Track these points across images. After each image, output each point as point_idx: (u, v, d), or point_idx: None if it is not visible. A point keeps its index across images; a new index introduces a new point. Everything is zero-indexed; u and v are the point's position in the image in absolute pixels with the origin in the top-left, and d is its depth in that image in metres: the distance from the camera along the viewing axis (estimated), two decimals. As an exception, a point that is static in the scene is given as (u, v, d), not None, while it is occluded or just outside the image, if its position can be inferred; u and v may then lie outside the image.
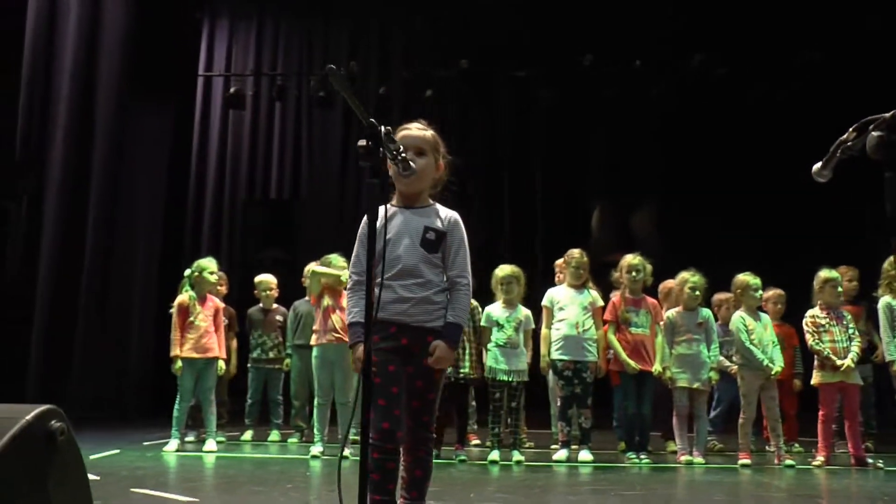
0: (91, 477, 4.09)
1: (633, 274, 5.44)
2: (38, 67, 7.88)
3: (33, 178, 7.80)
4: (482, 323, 5.43)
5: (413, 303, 2.67)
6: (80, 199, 7.96)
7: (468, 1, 10.02)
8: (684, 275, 5.43)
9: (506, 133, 10.66)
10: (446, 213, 2.82)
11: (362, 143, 2.23)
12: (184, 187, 10.30)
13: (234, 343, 6.46)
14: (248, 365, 6.47)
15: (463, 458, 5.28)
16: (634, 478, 4.80)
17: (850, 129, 2.21)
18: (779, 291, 5.88)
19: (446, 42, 10.36)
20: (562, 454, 5.34)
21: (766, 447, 5.57)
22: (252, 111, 10.98)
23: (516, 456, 5.27)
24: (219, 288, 6.15)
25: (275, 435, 6.42)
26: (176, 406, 5.64)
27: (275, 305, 6.61)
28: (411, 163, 2.63)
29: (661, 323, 5.44)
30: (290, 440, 6.31)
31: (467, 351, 5.35)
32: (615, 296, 5.56)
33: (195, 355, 5.58)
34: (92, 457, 5.04)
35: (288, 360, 6.39)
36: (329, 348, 5.49)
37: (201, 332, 5.62)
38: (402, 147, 2.50)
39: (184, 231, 10.27)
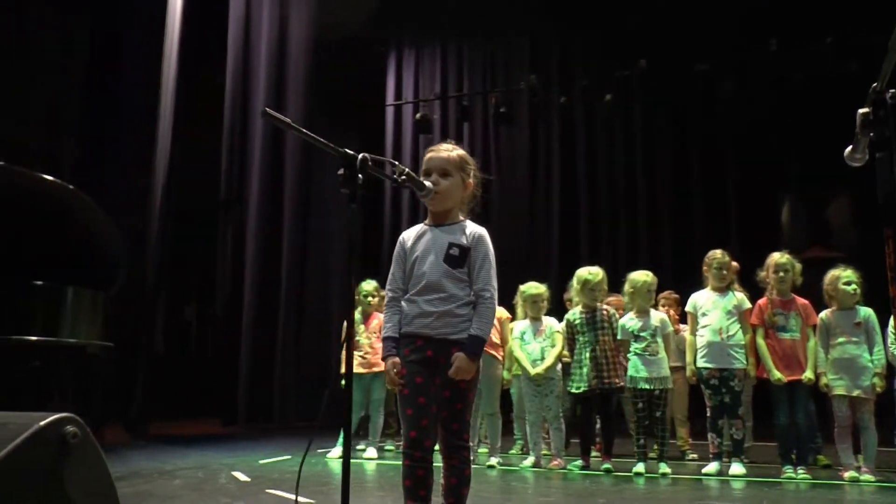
0: (242, 478, 4.67)
1: (781, 274, 4.98)
2: (235, 116, 8.92)
3: (237, 212, 8.81)
4: (619, 336, 5.29)
5: (436, 316, 2.73)
6: (275, 228, 8.86)
7: (641, 1, 9.76)
8: (834, 272, 4.88)
9: (692, 129, 10.18)
10: (472, 230, 2.86)
11: (340, 171, 2.37)
12: (378, 212, 10.97)
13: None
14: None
15: (608, 467, 5.16)
16: (790, 496, 4.40)
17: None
18: None
19: (624, 45, 10.14)
20: (712, 467, 5.02)
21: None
22: (441, 133, 11.43)
23: (663, 468, 5.05)
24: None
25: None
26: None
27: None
28: (427, 183, 2.76)
29: (815, 325, 4.94)
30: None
31: (608, 360, 5.24)
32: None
33: (362, 370, 5.97)
34: (261, 461, 5.61)
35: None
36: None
37: (366, 349, 6.01)
38: (405, 171, 2.63)
39: (381, 252, 10.93)
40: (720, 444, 5.10)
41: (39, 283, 4.45)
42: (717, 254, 5.22)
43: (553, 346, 5.48)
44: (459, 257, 2.79)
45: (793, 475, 4.81)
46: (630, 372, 5.20)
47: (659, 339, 5.18)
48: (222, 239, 8.74)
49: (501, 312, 5.78)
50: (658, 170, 10.29)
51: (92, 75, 7.42)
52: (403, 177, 2.62)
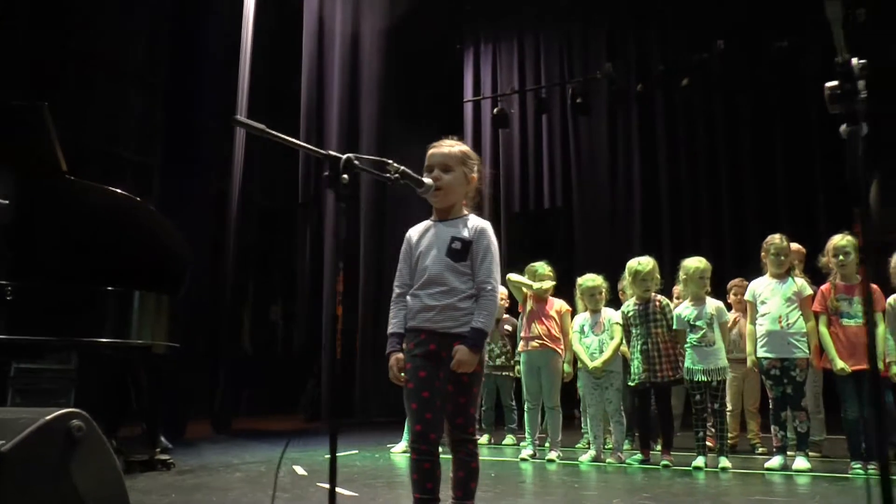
0: (300, 472, 4.84)
1: (841, 258, 4.73)
2: (311, 120, 9.21)
3: (314, 215, 9.10)
4: (675, 326, 5.16)
5: (438, 310, 2.76)
6: (353, 231, 9.11)
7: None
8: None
9: (775, 108, 9.74)
10: (475, 223, 2.87)
11: (326, 173, 2.45)
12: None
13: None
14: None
15: (666, 463, 5.04)
16: (851, 492, 4.18)
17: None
18: None
19: (699, 26, 9.84)
20: (775, 461, 4.82)
21: None
22: (520, 127, 11.41)
23: (723, 462, 4.90)
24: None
25: (509, 439, 6.68)
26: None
27: (505, 315, 6.87)
28: (426, 179, 2.81)
29: (884, 311, 4.66)
30: (521, 444, 6.52)
31: (660, 353, 5.13)
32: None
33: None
34: (326, 456, 5.78)
35: (519, 367, 6.62)
36: (534, 354, 5.65)
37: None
38: (400, 169, 2.68)
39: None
40: (783, 438, 4.90)
41: (109, 288, 4.78)
42: (774, 238, 5.01)
43: (612, 338, 5.41)
44: (462, 251, 2.81)
45: (860, 471, 4.56)
46: (687, 363, 5.07)
47: (715, 329, 5.02)
48: (301, 240, 9.05)
49: (562, 305, 5.76)
50: (741, 154, 9.91)
51: (172, 87, 7.84)
52: (397, 175, 2.67)
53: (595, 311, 5.55)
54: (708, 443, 5.07)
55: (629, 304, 5.37)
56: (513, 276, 5.81)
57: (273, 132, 2.37)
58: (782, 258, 4.92)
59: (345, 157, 2.44)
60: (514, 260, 10.78)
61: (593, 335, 5.48)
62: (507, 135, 11.48)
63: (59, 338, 4.51)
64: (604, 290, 5.61)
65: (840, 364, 4.62)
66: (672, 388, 5.31)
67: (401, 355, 2.82)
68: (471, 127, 11.57)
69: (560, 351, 5.60)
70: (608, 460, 5.31)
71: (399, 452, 5.98)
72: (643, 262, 5.25)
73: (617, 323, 5.41)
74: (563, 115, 11.07)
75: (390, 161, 2.71)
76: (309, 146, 2.46)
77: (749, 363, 5.04)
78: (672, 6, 10.20)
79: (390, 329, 2.89)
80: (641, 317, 5.23)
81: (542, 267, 5.84)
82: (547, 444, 5.79)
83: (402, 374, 2.80)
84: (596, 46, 10.91)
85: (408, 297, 2.87)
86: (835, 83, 1.84)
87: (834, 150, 9.05)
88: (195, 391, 7.37)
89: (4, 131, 4.42)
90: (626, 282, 5.46)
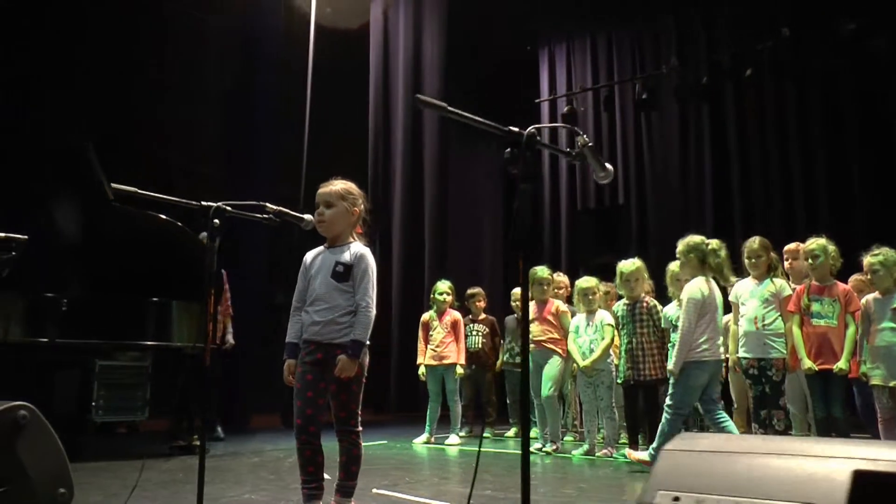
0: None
1: (810, 260, 4.76)
2: (378, 127, 9.88)
3: (384, 219, 9.76)
4: (662, 324, 5.34)
5: (322, 324, 3.25)
6: (418, 230, 9.70)
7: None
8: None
9: (845, 94, 9.37)
10: (356, 250, 3.34)
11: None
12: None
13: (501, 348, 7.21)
14: (504, 369, 7.16)
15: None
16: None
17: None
18: None
19: (762, 14, 9.63)
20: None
21: None
22: (594, 126, 11.53)
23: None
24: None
25: (533, 432, 7.01)
26: (429, 406, 6.70)
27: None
28: (306, 217, 3.36)
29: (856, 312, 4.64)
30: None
31: (644, 352, 5.33)
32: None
33: (433, 362, 6.57)
34: (364, 444, 6.36)
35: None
36: (535, 353, 5.94)
37: (438, 342, 6.59)
38: (276, 210, 3.22)
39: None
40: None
41: (154, 299, 5.60)
42: (749, 241, 5.08)
43: (602, 338, 5.65)
44: (344, 273, 3.29)
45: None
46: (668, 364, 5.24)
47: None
48: (371, 245, 9.72)
49: (558, 306, 6.05)
50: (812, 143, 9.58)
51: (236, 104, 8.76)
52: (270, 216, 3.21)
53: (590, 312, 5.79)
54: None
55: (619, 305, 5.59)
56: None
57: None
58: (753, 260, 4.98)
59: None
60: (568, 255, 11.02)
61: (586, 335, 5.73)
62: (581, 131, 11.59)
63: (106, 341, 5.37)
64: (598, 290, 5.84)
65: (808, 363, 4.67)
66: (660, 386, 5.48)
67: (292, 361, 3.31)
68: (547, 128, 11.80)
69: (559, 350, 5.89)
70: (598, 454, 5.56)
71: (421, 443, 6.48)
72: (626, 264, 5.46)
73: (609, 324, 5.64)
74: (635, 112, 11.08)
75: (266, 203, 3.23)
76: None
77: (731, 362, 5.15)
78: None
79: (287, 339, 3.39)
80: (628, 317, 5.44)
81: (542, 270, 6.16)
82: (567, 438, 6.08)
83: (292, 377, 3.30)
84: (666, 40, 10.86)
85: (302, 313, 3.36)
86: (510, 149, 2.10)
87: None
88: (269, 387, 8.17)
89: (62, 167, 5.32)
90: (616, 283, 5.67)
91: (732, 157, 10.03)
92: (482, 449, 6.19)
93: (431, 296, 6.80)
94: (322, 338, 3.26)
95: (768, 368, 4.87)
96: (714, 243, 4.59)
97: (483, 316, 7.17)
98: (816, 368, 4.64)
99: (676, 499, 1.30)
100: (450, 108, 2.18)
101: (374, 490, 4.14)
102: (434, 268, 9.68)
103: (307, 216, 3.35)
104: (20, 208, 5.74)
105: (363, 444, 3.36)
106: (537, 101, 11.82)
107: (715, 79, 10.12)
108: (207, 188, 9.33)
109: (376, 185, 9.82)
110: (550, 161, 11.62)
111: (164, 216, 5.72)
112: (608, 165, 2.40)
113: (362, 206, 3.44)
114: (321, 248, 3.45)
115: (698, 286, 4.51)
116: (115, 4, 8.21)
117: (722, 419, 4.49)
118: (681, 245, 4.67)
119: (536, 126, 2.17)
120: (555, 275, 6.52)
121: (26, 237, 3.87)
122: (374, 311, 3.29)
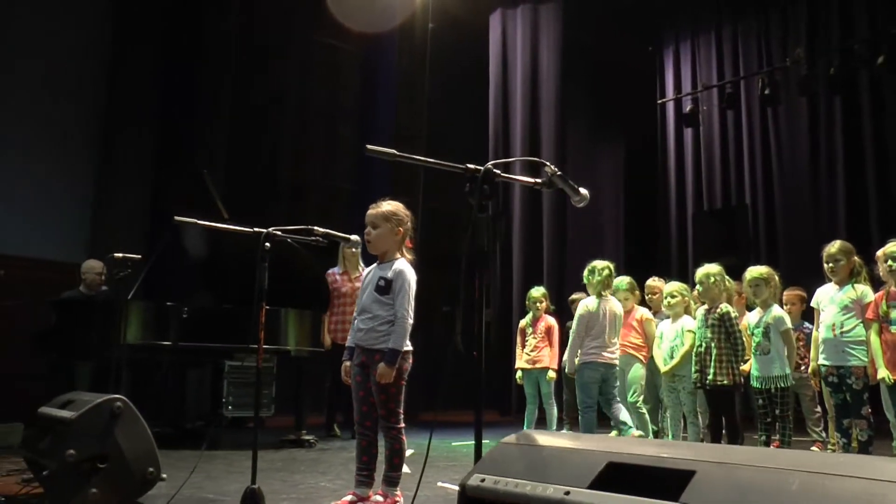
0: (408, 453, 5.87)
1: (890, 263, 4.57)
2: (498, 138, 10.27)
3: (503, 223, 10.13)
4: (737, 331, 5.32)
5: (365, 332, 3.69)
6: (536, 234, 9.99)
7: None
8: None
9: None
10: (397, 266, 3.71)
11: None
12: (649, 204, 11.36)
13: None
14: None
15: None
16: None
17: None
18: None
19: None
20: (835, 469, 4.80)
21: None
22: (720, 126, 11.29)
23: (784, 467, 4.98)
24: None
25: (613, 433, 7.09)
26: (527, 408, 6.96)
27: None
28: (351, 237, 3.93)
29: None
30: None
31: (713, 358, 5.30)
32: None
33: (527, 366, 6.84)
34: (454, 443, 6.77)
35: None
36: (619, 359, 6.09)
37: (533, 346, 6.84)
38: (322, 231, 3.68)
39: (656, 242, 11.21)
40: (846, 446, 4.85)
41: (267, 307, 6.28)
42: (829, 246, 4.96)
43: (683, 344, 5.68)
44: (385, 287, 3.71)
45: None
46: (752, 370, 5.23)
47: (772, 337, 5.10)
48: (493, 250, 10.12)
49: (645, 314, 6.15)
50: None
51: (363, 124, 9.48)
52: (318, 237, 3.67)
53: (676, 318, 5.82)
54: (773, 447, 5.16)
55: (699, 311, 5.60)
56: None
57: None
58: (832, 265, 4.87)
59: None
60: (690, 258, 10.77)
61: (667, 341, 5.79)
62: (694, 135, 11.40)
63: (221, 345, 6.10)
64: (681, 296, 5.84)
65: (883, 372, 4.52)
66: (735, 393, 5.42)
67: (348, 364, 3.77)
68: (673, 126, 11.65)
69: (640, 357, 6.02)
70: (679, 459, 5.58)
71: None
72: (701, 272, 5.47)
73: (689, 330, 5.66)
74: (761, 108, 10.70)
75: (314, 227, 3.67)
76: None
77: (810, 370, 5.05)
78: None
79: (346, 344, 3.87)
80: (703, 322, 5.46)
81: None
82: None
83: (348, 377, 3.76)
84: (796, 30, 10.43)
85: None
86: (469, 183, 2.37)
87: None
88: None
89: (187, 194, 6.13)
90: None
91: (867, 153, 9.48)
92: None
93: (526, 302, 7.07)
94: (364, 343, 3.69)
95: (848, 376, 4.77)
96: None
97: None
98: (893, 378, 4.49)
99: (482, 480, 1.57)
100: (399, 153, 2.44)
101: (440, 483, 4.48)
102: (553, 274, 9.90)
103: (353, 237, 3.78)
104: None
105: (404, 438, 3.73)
106: (660, 101, 11.68)
107: (847, 68, 9.59)
108: (339, 201, 10.12)
109: (497, 199, 10.20)
110: (676, 163, 11.47)
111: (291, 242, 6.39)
112: (582, 190, 2.57)
113: (409, 226, 3.81)
114: (374, 265, 3.86)
115: (585, 304, 5.65)
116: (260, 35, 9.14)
117: (617, 412, 5.52)
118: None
119: (494, 162, 2.46)
120: (651, 280, 6.67)
121: (140, 256, 4.56)
122: (410, 321, 3.66)
